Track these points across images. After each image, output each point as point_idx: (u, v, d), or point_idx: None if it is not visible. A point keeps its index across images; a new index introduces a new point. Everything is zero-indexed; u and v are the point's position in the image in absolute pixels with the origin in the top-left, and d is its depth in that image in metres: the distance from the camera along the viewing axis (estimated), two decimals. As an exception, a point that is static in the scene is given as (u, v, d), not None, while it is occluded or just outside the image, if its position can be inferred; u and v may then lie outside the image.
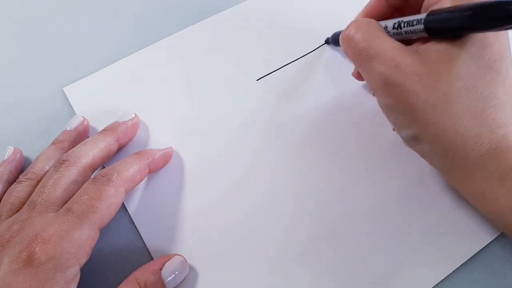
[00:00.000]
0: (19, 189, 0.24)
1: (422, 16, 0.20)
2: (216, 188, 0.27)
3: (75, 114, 0.30)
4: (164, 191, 0.27)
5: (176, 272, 0.23)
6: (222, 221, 0.25)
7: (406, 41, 0.22)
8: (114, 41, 0.34)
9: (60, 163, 0.24)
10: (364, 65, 0.22)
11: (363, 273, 0.24)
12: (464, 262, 0.24)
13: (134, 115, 0.28)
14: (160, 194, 0.27)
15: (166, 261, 0.23)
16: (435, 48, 0.20)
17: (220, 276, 0.24)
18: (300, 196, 0.26)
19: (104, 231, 0.22)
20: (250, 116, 0.29)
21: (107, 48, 0.34)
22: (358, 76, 0.28)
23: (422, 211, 0.25)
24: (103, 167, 0.27)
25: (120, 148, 0.28)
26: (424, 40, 0.21)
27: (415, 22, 0.21)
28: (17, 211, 0.23)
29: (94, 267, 0.24)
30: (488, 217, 0.23)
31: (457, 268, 0.24)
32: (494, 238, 0.24)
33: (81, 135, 0.28)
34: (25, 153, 0.28)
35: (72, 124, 0.28)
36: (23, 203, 0.23)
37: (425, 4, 0.22)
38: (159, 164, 0.27)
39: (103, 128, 0.27)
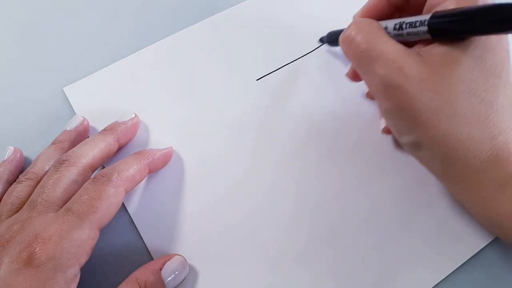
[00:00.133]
0: (19, 189, 0.24)
1: (425, 17, 0.20)
2: (216, 188, 0.27)
3: (75, 114, 0.30)
4: (164, 191, 0.27)
5: (176, 272, 0.23)
6: (222, 221, 0.25)
7: (406, 43, 0.22)
8: (114, 41, 0.34)
9: (60, 163, 0.24)
10: (365, 67, 0.22)
11: (363, 273, 0.24)
12: (464, 263, 0.24)
13: (134, 115, 0.28)
14: (160, 194, 0.27)
15: (166, 261, 0.23)
16: (437, 51, 0.20)
17: (220, 276, 0.24)
18: (300, 196, 0.26)
19: (104, 231, 0.22)
20: (250, 116, 0.29)
21: (107, 48, 0.34)
22: (353, 77, 0.28)
23: (422, 211, 0.25)
24: (103, 167, 0.27)
25: (120, 148, 0.28)
26: (426, 42, 0.21)
27: (418, 24, 0.20)
28: (17, 211, 0.23)
29: (94, 267, 0.24)
30: (487, 224, 0.23)
31: (456, 268, 0.24)
32: (493, 238, 0.24)
33: (81, 135, 0.28)
34: (25, 153, 0.29)
35: (72, 124, 0.28)
36: (23, 203, 0.23)
37: (427, 4, 0.22)
38: (159, 164, 0.27)
39: (103, 128, 0.27)
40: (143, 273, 0.22)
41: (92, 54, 0.33)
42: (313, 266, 0.24)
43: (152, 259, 0.24)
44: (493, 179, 0.20)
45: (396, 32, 0.22)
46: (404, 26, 0.21)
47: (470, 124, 0.19)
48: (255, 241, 0.25)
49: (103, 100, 0.30)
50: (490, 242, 0.24)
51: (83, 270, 0.21)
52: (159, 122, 0.29)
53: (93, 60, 0.33)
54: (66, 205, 0.22)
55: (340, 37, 0.23)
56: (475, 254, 0.24)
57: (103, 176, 0.23)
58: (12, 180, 0.26)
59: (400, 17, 0.23)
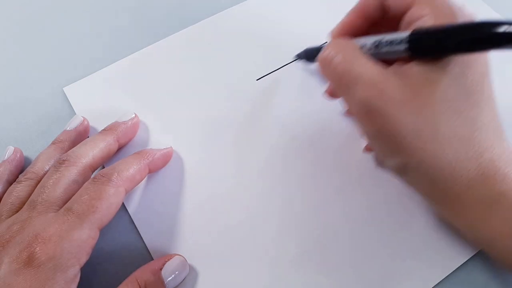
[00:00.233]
0: (19, 189, 0.24)
1: (404, 35, 0.19)
2: (216, 188, 0.27)
3: (75, 114, 0.30)
4: (164, 191, 0.27)
5: (176, 272, 0.23)
6: (222, 221, 0.25)
7: (386, 61, 0.21)
8: (114, 41, 0.34)
9: (60, 163, 0.24)
10: (344, 90, 0.21)
11: (363, 273, 0.24)
12: (464, 262, 0.24)
13: (134, 115, 0.28)
14: (160, 194, 0.27)
15: (166, 261, 0.23)
16: (417, 70, 0.19)
17: (220, 276, 0.24)
18: (300, 196, 0.26)
19: (104, 231, 0.22)
20: (250, 116, 0.29)
21: (107, 48, 0.34)
22: (331, 95, 0.27)
23: (423, 211, 0.25)
24: (103, 167, 0.27)
25: (120, 148, 0.28)
26: (404, 61, 0.20)
27: (397, 42, 0.20)
28: (17, 211, 0.23)
29: (94, 267, 0.24)
30: (478, 244, 0.22)
31: (457, 268, 0.24)
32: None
33: (81, 135, 0.28)
34: (25, 153, 0.28)
35: (72, 124, 0.28)
36: (23, 203, 0.23)
37: (405, 19, 0.21)
38: (159, 164, 0.27)
39: (103, 128, 0.27)
40: (143, 273, 0.22)
41: (92, 54, 0.33)
42: (313, 266, 0.24)
43: (152, 259, 0.24)
44: (481, 199, 0.20)
45: (374, 50, 0.21)
46: (382, 44, 0.21)
47: (455, 144, 0.19)
48: (255, 241, 0.25)
49: (103, 100, 0.30)
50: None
51: (83, 270, 0.21)
52: (159, 122, 0.29)
53: (93, 60, 0.33)
54: (66, 205, 0.22)
55: (318, 59, 0.22)
56: (474, 254, 0.24)
57: (103, 176, 0.23)
58: (12, 180, 0.26)
59: (378, 31, 0.23)
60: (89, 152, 0.25)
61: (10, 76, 0.33)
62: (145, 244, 0.25)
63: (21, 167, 0.28)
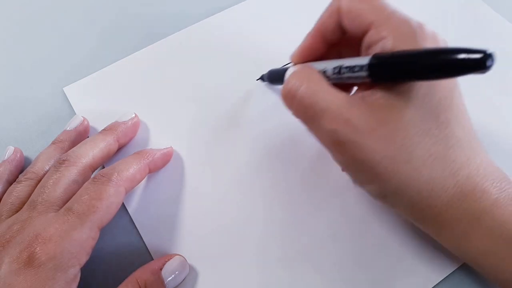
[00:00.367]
0: (19, 189, 0.24)
1: (363, 62, 0.19)
2: (216, 188, 0.27)
3: (75, 114, 0.30)
4: (164, 191, 0.27)
5: (176, 272, 0.23)
6: (222, 221, 0.25)
7: (350, 84, 0.20)
8: (114, 41, 0.34)
9: (60, 163, 0.24)
10: (311, 123, 0.21)
11: (363, 272, 0.24)
12: (464, 262, 0.24)
13: (134, 115, 0.28)
14: (160, 194, 0.27)
15: (166, 261, 0.23)
16: (381, 96, 0.19)
17: (220, 276, 0.24)
18: (300, 196, 0.26)
19: (104, 231, 0.22)
20: (250, 116, 0.29)
21: (107, 48, 0.34)
22: None
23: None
24: (103, 167, 0.27)
25: (120, 148, 0.28)
26: (369, 85, 0.20)
27: (357, 68, 0.19)
28: (17, 211, 0.23)
29: (94, 267, 0.24)
30: (462, 259, 0.22)
31: (456, 268, 0.24)
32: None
33: (81, 135, 0.28)
34: (25, 153, 0.29)
35: (72, 124, 0.28)
36: (23, 203, 0.23)
37: (365, 41, 0.20)
38: (159, 164, 0.27)
39: (103, 128, 0.27)
40: (143, 273, 0.22)
41: (92, 54, 0.33)
42: (314, 266, 0.24)
43: (152, 259, 0.24)
44: (461, 217, 0.19)
45: (337, 76, 0.21)
46: (343, 70, 0.20)
47: (429, 165, 0.19)
48: (256, 241, 0.25)
49: (103, 100, 0.31)
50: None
51: (83, 270, 0.21)
52: (159, 122, 0.29)
53: (93, 60, 0.33)
54: (66, 205, 0.22)
55: (282, 92, 0.22)
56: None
57: (103, 176, 0.23)
58: (12, 180, 0.26)
59: (339, 52, 0.22)
60: (89, 152, 0.25)
61: (10, 76, 0.33)
62: (145, 244, 0.25)
63: (21, 167, 0.28)
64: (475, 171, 0.19)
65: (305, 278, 0.24)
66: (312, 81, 0.20)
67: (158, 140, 0.29)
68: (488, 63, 0.15)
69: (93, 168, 0.25)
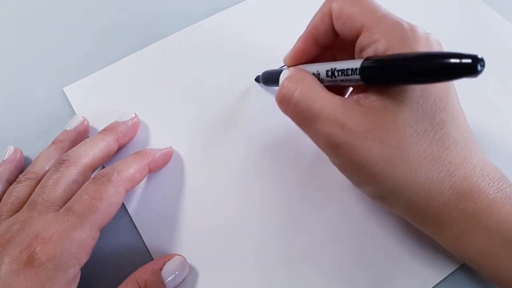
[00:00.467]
0: (19, 189, 0.24)
1: (355, 65, 0.19)
2: (216, 188, 0.27)
3: (75, 114, 0.30)
4: (164, 191, 0.27)
5: (176, 272, 0.23)
6: (222, 221, 0.25)
7: (345, 86, 0.20)
8: (114, 41, 0.34)
9: (60, 163, 0.24)
10: (307, 127, 0.21)
11: (363, 272, 0.24)
12: (464, 262, 0.24)
13: (134, 115, 0.28)
14: (160, 194, 0.27)
15: (166, 261, 0.23)
16: (376, 99, 0.19)
17: (220, 276, 0.24)
18: (300, 196, 0.26)
19: (104, 231, 0.22)
20: (250, 116, 0.29)
21: (107, 48, 0.34)
22: None
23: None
24: (103, 167, 0.27)
25: (120, 148, 0.28)
26: (363, 88, 0.20)
27: (350, 72, 0.19)
28: (17, 211, 0.23)
29: (94, 267, 0.24)
30: (461, 260, 0.22)
31: (456, 268, 0.24)
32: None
33: (81, 135, 0.28)
34: (25, 153, 0.29)
35: (72, 124, 0.28)
36: (23, 203, 0.23)
37: (358, 45, 0.20)
38: (159, 164, 0.27)
39: (103, 128, 0.27)
40: (143, 273, 0.22)
41: (92, 54, 0.33)
42: (315, 266, 0.24)
43: (152, 259, 0.24)
44: (459, 218, 0.19)
45: (329, 79, 0.21)
46: (336, 74, 0.20)
47: (426, 166, 0.19)
48: (256, 241, 0.25)
49: (103, 100, 0.31)
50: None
51: (83, 270, 0.21)
52: (159, 122, 0.29)
53: (93, 60, 0.33)
54: (66, 205, 0.22)
55: (276, 97, 0.22)
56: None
57: (103, 176, 0.23)
58: (12, 180, 0.26)
59: (333, 54, 0.22)
60: (89, 152, 0.25)
61: (10, 76, 0.33)
62: (145, 244, 0.25)
63: (21, 167, 0.28)
64: (472, 171, 0.19)
65: (305, 278, 0.24)
66: (307, 85, 0.21)
67: (158, 140, 0.29)
68: (478, 67, 0.15)
69: (93, 168, 0.25)
